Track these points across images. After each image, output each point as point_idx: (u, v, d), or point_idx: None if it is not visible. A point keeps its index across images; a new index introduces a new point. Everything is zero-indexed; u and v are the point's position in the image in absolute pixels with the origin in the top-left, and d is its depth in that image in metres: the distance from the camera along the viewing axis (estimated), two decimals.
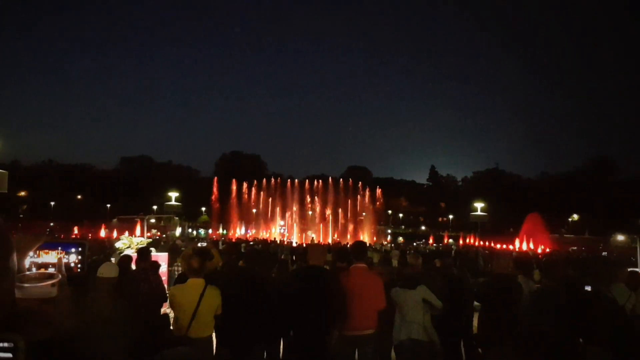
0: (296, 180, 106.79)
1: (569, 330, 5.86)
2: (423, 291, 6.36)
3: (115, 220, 50.19)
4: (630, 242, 35.19)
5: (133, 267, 8.13)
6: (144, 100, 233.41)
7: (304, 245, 31.42)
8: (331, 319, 5.66)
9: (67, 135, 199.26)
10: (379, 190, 69.41)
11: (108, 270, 5.13)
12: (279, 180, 74.83)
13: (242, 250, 13.69)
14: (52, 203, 64.61)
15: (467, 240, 50.25)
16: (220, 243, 28.91)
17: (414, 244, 49.09)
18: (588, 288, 6.77)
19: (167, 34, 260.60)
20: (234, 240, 41.35)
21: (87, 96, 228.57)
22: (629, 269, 8.87)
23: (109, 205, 62.87)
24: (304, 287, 5.73)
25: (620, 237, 41.14)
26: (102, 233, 41.12)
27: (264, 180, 79.73)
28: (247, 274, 6.17)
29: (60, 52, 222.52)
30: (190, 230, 59.63)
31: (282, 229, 65.61)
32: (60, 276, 1.44)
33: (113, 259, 8.33)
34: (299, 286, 5.82)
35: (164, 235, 37.05)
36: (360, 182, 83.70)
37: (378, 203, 71.47)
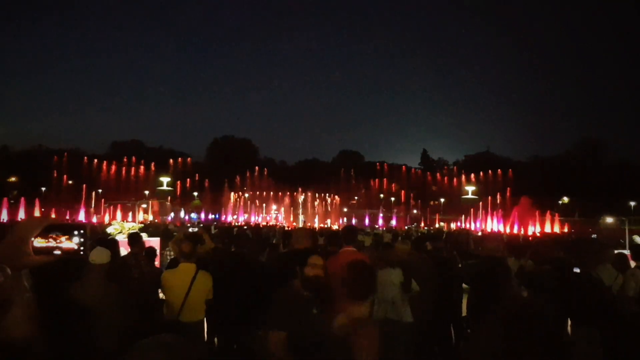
0: (288, 164, 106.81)
1: (558, 311, 5.94)
2: (398, 274, 6.54)
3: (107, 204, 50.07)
4: (619, 224, 35.51)
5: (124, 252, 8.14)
6: (135, 85, 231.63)
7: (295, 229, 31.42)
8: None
9: (57, 121, 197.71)
10: (371, 176, 69.37)
11: (99, 255, 5.13)
12: (270, 165, 74.66)
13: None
14: (43, 188, 64.28)
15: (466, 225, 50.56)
16: (212, 228, 28.92)
17: (406, 227, 49.31)
18: (577, 270, 6.85)
19: (159, 19, 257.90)
20: (226, 225, 41.38)
21: (77, 81, 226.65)
22: (617, 251, 8.97)
23: (100, 190, 62.65)
24: (287, 271, 5.77)
25: (610, 219, 41.47)
26: (94, 218, 41.05)
27: (256, 165, 79.67)
28: (237, 259, 6.20)
29: (50, 37, 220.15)
30: (183, 214, 59.56)
31: (274, 214, 65.65)
32: (7, 271, 1.39)
33: None
34: (282, 270, 5.86)
35: (156, 220, 37.01)
36: (352, 166, 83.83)
37: (371, 187, 71.55)
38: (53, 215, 41.20)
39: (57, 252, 1.45)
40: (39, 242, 1.43)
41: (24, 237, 1.40)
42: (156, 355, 1.63)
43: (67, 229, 1.50)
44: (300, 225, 48.01)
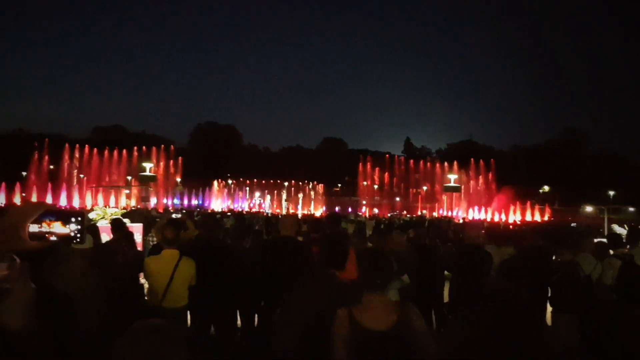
0: (272, 151, 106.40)
1: (537, 297, 6.04)
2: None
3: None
4: (598, 213, 35.99)
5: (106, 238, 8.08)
6: (117, 70, 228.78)
7: (279, 216, 31.44)
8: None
9: (38, 105, 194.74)
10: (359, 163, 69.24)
11: None
12: (254, 151, 74.24)
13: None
14: (24, 173, 63.42)
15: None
16: (195, 214, 28.81)
17: (389, 214, 49.55)
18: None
19: (144, 8, 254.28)
20: (209, 211, 41.28)
21: (59, 65, 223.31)
22: (596, 240, 9.11)
23: (82, 176, 61.97)
24: (273, 257, 5.79)
25: (589, 208, 42.01)
26: (77, 203, 40.62)
27: (240, 151, 79.07)
28: (220, 245, 6.20)
29: (31, 18, 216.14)
30: (166, 200, 59.28)
31: (258, 200, 65.58)
32: (17, 261, 1.39)
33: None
34: (268, 257, 5.88)
35: (138, 206, 36.76)
36: (335, 154, 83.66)
37: (355, 174, 71.51)
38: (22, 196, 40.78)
39: (53, 237, 1.45)
40: (33, 227, 1.42)
41: (20, 222, 1.39)
42: (150, 338, 1.65)
43: (65, 216, 1.50)
44: (284, 212, 48.01)
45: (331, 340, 3.07)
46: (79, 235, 1.49)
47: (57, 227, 1.46)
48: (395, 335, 3.02)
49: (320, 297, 3.60)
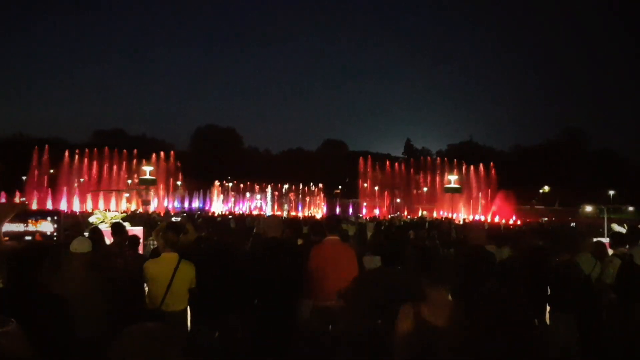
0: (272, 153, 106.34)
1: (536, 297, 6.05)
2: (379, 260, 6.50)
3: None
4: (598, 212, 35.95)
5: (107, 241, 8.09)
6: (117, 73, 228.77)
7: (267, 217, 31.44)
8: (292, 290, 5.75)
9: (38, 109, 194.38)
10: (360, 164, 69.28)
11: (81, 245, 5.10)
12: (255, 154, 74.17)
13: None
14: (24, 177, 63.41)
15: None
16: (196, 217, 28.85)
17: (390, 216, 49.54)
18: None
19: (143, 12, 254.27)
20: (210, 214, 41.31)
21: (58, 68, 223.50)
22: (595, 239, 9.11)
23: (82, 180, 61.98)
24: (271, 259, 5.82)
25: (589, 208, 41.96)
26: (77, 207, 40.66)
27: (240, 154, 78.99)
28: (219, 247, 6.22)
29: (29, 21, 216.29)
30: (166, 203, 59.34)
31: (258, 202, 65.60)
32: (12, 323, 1.40)
33: (87, 234, 8.22)
34: (267, 258, 5.91)
35: (139, 210, 36.81)
36: (336, 156, 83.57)
37: (355, 176, 71.53)
38: (19, 200, 40.79)
39: (28, 237, 1.47)
40: (18, 227, 1.44)
41: None
42: (141, 342, 1.67)
43: (42, 215, 1.52)
44: (284, 214, 48.02)
45: (394, 332, 3.31)
46: (55, 234, 1.52)
47: (44, 226, 1.50)
48: (451, 330, 3.20)
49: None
